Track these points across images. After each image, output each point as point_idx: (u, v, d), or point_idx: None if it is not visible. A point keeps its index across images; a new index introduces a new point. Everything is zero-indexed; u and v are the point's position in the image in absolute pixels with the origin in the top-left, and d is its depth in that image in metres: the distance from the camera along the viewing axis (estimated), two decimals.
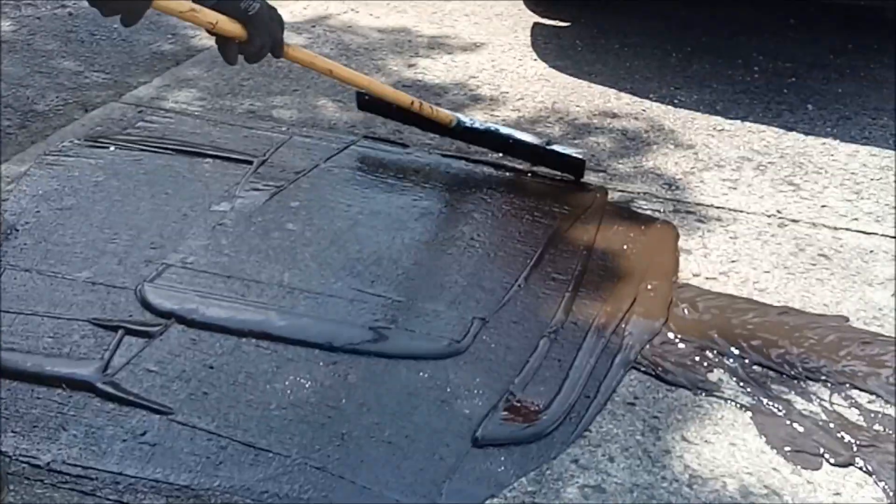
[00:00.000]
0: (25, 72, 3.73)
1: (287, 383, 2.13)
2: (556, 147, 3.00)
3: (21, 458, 1.92)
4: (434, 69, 3.83)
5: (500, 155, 3.12)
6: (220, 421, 2.03)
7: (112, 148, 3.10)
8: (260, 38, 2.20)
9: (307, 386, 2.13)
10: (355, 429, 2.01)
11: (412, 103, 2.89)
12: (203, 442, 1.98)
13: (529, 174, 3.02)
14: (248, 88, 3.59)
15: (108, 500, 1.84)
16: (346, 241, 2.65)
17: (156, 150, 3.10)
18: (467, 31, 4.25)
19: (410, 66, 3.86)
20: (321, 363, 2.20)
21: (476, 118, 3.16)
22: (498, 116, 3.42)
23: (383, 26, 4.28)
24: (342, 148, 3.15)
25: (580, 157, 2.97)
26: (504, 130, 3.07)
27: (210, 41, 3.94)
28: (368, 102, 3.24)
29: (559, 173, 3.00)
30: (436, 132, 3.14)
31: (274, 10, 2.24)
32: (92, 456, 1.93)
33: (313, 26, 4.24)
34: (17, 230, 2.66)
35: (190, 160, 3.05)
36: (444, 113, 3.00)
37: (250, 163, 3.03)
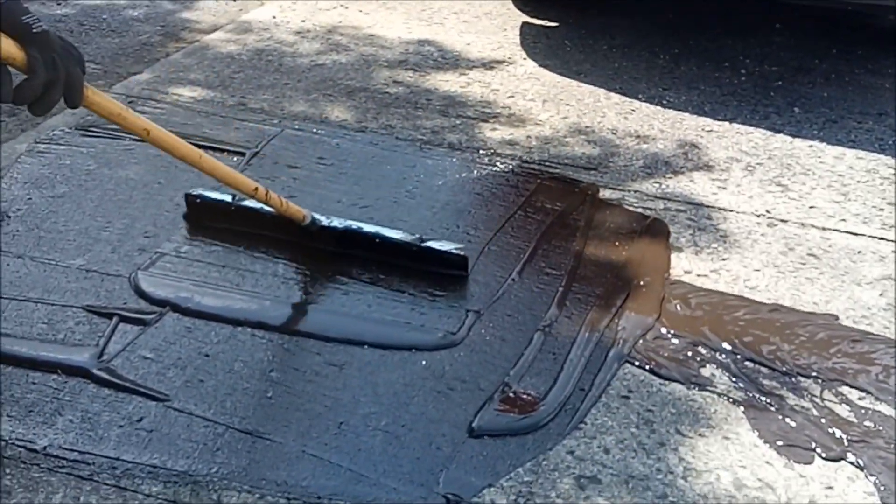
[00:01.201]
0: None
1: (283, 372, 2.14)
2: (432, 244, 2.53)
3: (17, 443, 1.92)
4: (424, 66, 3.84)
5: (493, 151, 3.14)
6: (216, 408, 2.03)
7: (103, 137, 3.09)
8: (47, 70, 1.55)
9: (304, 375, 2.13)
10: (352, 418, 2.02)
11: (255, 190, 2.29)
12: (200, 428, 1.98)
13: (522, 171, 3.03)
14: (239, 81, 3.59)
15: (106, 484, 1.83)
16: None
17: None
18: (456, 29, 4.26)
19: (401, 62, 3.87)
20: (317, 353, 2.20)
21: (336, 217, 2.60)
22: (489, 112, 3.43)
23: (372, 23, 4.29)
24: (334, 141, 3.15)
25: (460, 252, 2.51)
26: (369, 229, 2.57)
27: (203, 35, 3.94)
28: (199, 206, 2.69)
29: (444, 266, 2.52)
30: (284, 232, 2.59)
31: (70, 43, 1.65)
32: (89, 441, 1.93)
33: (302, 21, 4.24)
34: (9, 217, 2.65)
35: None
36: (296, 208, 2.47)
37: (243, 154, 3.03)
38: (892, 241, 2.75)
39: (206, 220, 2.68)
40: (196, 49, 3.87)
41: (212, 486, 1.84)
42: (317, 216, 2.54)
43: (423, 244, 2.53)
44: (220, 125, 3.23)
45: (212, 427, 1.98)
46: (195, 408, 2.03)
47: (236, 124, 3.25)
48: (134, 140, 3.08)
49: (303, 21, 4.25)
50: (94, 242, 2.56)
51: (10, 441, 1.92)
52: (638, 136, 3.33)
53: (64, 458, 1.89)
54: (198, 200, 2.68)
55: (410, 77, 3.74)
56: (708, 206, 2.89)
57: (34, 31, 1.53)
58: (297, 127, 3.26)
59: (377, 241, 2.55)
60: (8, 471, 1.85)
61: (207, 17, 4.31)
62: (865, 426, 2.06)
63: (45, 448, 1.91)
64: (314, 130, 3.24)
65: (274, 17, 4.24)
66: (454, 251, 2.51)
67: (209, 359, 2.16)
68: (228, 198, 2.64)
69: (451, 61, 3.91)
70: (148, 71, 3.66)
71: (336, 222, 2.57)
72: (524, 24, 4.35)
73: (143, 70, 3.67)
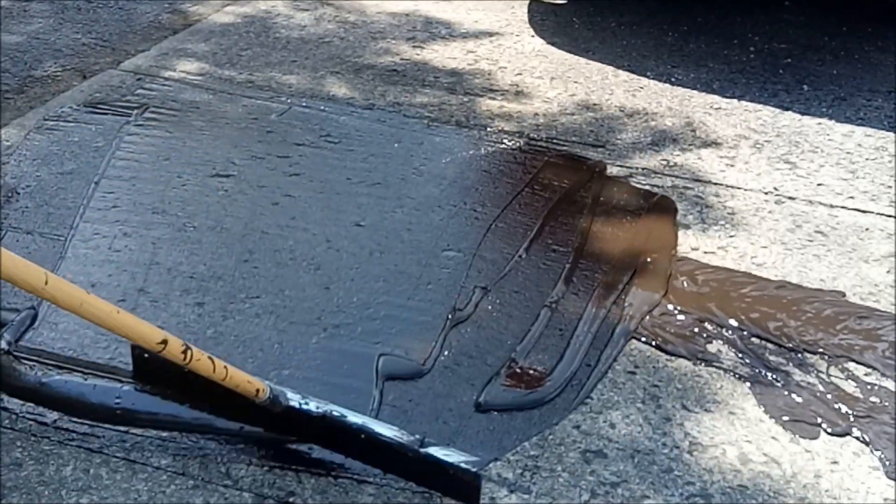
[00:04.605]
0: (22, 38, 3.71)
1: (289, 344, 2.15)
2: (435, 451, 1.79)
3: (27, 416, 1.93)
4: (431, 43, 3.83)
5: (500, 128, 3.14)
6: None
7: (110, 114, 3.10)
8: None
9: (311, 349, 2.14)
10: None
11: (163, 344, 1.62)
12: None
13: (530, 148, 3.03)
14: (247, 59, 3.59)
15: (116, 457, 1.85)
16: (347, 210, 2.66)
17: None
18: (464, 6, 4.25)
19: (408, 39, 3.86)
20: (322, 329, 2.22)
21: (309, 402, 1.85)
22: (496, 89, 3.43)
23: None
24: (342, 118, 3.16)
25: (472, 469, 1.76)
26: (355, 419, 1.84)
27: (212, 12, 3.94)
28: (147, 362, 2.00)
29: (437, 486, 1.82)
30: (236, 417, 1.93)
31: None
32: None
33: None
34: (19, 193, 2.66)
35: (190, 127, 3.05)
36: (246, 378, 1.76)
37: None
38: None
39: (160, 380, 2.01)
40: (204, 26, 3.87)
41: (220, 459, 1.86)
42: (279, 391, 1.81)
43: (424, 448, 1.79)
44: (228, 102, 3.24)
45: None
46: None
47: (244, 101, 3.25)
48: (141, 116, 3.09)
49: None
50: None
51: (21, 414, 1.94)
52: (646, 114, 3.33)
53: (74, 431, 1.90)
54: (145, 354, 1.99)
55: (418, 54, 3.73)
56: (715, 184, 2.89)
57: None
58: (304, 104, 3.26)
59: (362, 436, 1.82)
60: (19, 444, 1.86)
61: None
62: (871, 402, 2.07)
63: (55, 421, 1.93)
64: (322, 108, 3.24)
65: None
66: (463, 466, 1.76)
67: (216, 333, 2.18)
68: None
69: (458, 38, 3.90)
70: (156, 48, 3.66)
71: (312, 406, 1.84)
72: (532, 0, 4.34)
73: (150, 47, 3.67)
